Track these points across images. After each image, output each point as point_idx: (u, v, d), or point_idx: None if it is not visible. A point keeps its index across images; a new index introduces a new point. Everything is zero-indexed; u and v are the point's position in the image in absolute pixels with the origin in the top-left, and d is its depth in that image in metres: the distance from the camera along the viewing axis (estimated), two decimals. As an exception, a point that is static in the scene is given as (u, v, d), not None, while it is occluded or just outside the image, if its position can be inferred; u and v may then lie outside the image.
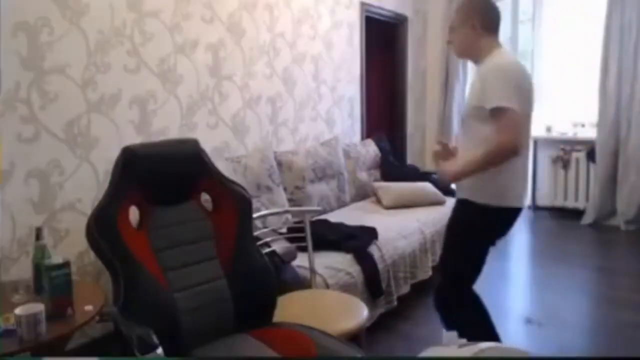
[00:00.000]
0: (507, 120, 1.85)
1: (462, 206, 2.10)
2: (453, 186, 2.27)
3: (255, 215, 2.36)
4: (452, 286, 2.17)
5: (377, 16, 4.96)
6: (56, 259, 1.80)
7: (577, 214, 5.05)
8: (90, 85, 2.53)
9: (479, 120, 1.96)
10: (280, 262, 2.44)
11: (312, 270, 2.48)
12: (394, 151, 5.01)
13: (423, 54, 5.89)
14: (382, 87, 5.46)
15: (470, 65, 5.62)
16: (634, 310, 3.05)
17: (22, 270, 2.21)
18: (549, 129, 5.25)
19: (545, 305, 3.18)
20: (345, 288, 2.57)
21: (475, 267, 2.13)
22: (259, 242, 2.33)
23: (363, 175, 4.32)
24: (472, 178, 1.98)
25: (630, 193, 4.71)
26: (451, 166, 2.04)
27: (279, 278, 2.27)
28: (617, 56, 4.68)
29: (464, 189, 2.07)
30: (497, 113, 1.87)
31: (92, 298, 1.89)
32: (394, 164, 4.68)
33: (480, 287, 2.20)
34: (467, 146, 2.04)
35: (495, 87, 1.89)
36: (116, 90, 2.65)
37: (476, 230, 2.06)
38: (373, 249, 2.91)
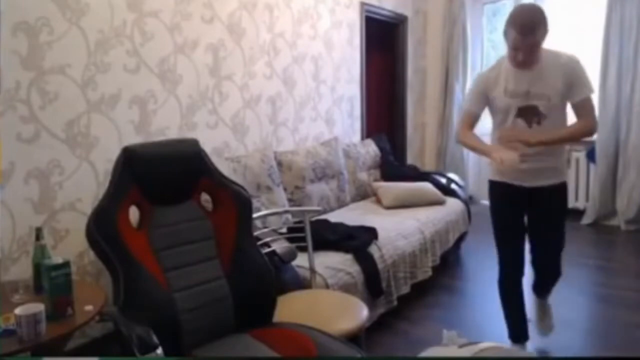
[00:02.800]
0: (592, 105, 2.30)
1: (564, 188, 2.43)
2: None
3: (255, 215, 2.36)
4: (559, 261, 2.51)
5: (377, 16, 4.96)
6: (56, 259, 1.80)
7: (577, 214, 5.05)
8: (90, 85, 2.53)
9: (562, 109, 2.30)
10: (280, 262, 2.44)
11: (312, 270, 2.48)
12: (394, 151, 5.01)
13: (423, 54, 5.89)
14: (382, 87, 5.46)
15: (470, 65, 5.63)
16: (634, 310, 3.05)
17: (22, 270, 2.21)
18: (549, 129, 5.24)
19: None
20: (345, 288, 2.57)
21: None
22: (259, 242, 2.33)
23: (363, 175, 4.32)
24: (560, 161, 2.40)
25: (630, 193, 4.71)
26: (540, 136, 2.25)
27: (278, 278, 2.27)
28: (617, 56, 4.67)
29: (559, 174, 2.38)
30: (587, 101, 2.27)
31: (92, 298, 1.89)
32: (394, 164, 4.68)
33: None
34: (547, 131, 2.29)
35: (588, 80, 2.27)
36: (116, 90, 2.65)
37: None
38: (373, 249, 2.91)
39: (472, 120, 2.41)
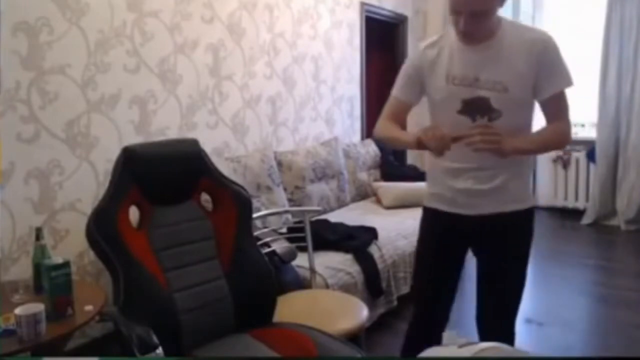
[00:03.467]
0: (567, 103, 1.64)
1: (530, 218, 1.76)
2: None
3: (255, 215, 2.36)
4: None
5: (377, 16, 4.96)
6: (56, 259, 1.80)
7: (577, 214, 5.05)
8: (90, 85, 2.53)
9: (524, 106, 1.65)
10: (280, 262, 2.44)
11: (312, 270, 2.48)
12: (394, 151, 5.00)
13: (423, 54, 5.89)
14: (382, 87, 5.45)
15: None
16: (634, 310, 3.05)
17: (22, 270, 2.21)
18: (549, 129, 5.24)
19: (545, 305, 3.18)
20: (345, 288, 2.57)
21: None
22: (259, 242, 2.33)
23: (363, 175, 4.32)
24: (527, 178, 1.75)
25: (630, 193, 4.71)
26: (518, 142, 1.60)
27: (279, 278, 2.27)
28: (617, 56, 4.68)
29: (524, 196, 1.73)
30: (561, 96, 1.63)
31: (92, 298, 1.89)
32: (394, 164, 4.68)
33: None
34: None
35: (564, 68, 1.60)
36: (116, 90, 2.65)
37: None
38: (373, 249, 2.91)
39: (397, 110, 1.77)
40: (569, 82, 1.60)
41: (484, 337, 1.78)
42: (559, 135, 1.65)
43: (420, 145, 1.57)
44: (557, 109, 1.63)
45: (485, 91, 1.59)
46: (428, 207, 1.83)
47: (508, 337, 1.76)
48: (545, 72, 1.57)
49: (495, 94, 1.58)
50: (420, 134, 1.56)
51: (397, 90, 1.78)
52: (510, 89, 1.57)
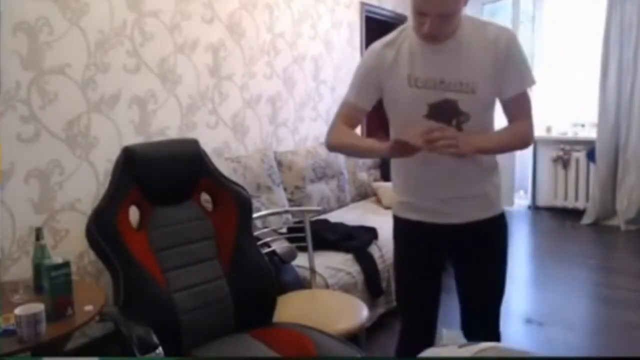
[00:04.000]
0: (530, 103, 1.59)
1: (503, 222, 1.71)
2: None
3: (255, 215, 2.36)
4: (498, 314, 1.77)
5: (377, 16, 4.96)
6: (56, 259, 1.80)
7: (577, 214, 5.05)
8: (90, 85, 2.53)
9: (490, 108, 1.59)
10: (280, 262, 2.44)
11: (312, 270, 2.48)
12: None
13: (423, 54, 5.89)
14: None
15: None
16: (634, 310, 3.05)
17: (22, 270, 2.21)
18: (549, 129, 5.25)
19: (546, 305, 3.18)
20: (345, 288, 2.57)
21: None
22: (259, 242, 2.33)
23: (363, 175, 4.33)
24: (494, 182, 1.66)
25: (630, 193, 4.71)
26: (478, 141, 1.52)
27: (279, 278, 2.27)
28: (617, 56, 4.68)
29: (491, 202, 1.66)
30: (523, 96, 1.58)
31: (92, 298, 1.88)
32: (394, 164, 4.68)
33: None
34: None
35: (527, 66, 1.56)
36: (116, 90, 2.65)
37: None
38: (373, 249, 2.91)
39: (352, 115, 1.70)
40: (532, 81, 1.55)
41: (469, 337, 1.70)
42: (522, 134, 1.59)
43: (394, 150, 1.47)
44: (520, 108, 1.57)
45: (452, 93, 1.50)
46: (401, 217, 1.72)
47: (497, 339, 1.70)
48: (511, 70, 1.52)
49: (463, 95, 1.50)
50: (400, 138, 1.46)
51: (351, 95, 1.68)
52: (478, 90, 1.49)
